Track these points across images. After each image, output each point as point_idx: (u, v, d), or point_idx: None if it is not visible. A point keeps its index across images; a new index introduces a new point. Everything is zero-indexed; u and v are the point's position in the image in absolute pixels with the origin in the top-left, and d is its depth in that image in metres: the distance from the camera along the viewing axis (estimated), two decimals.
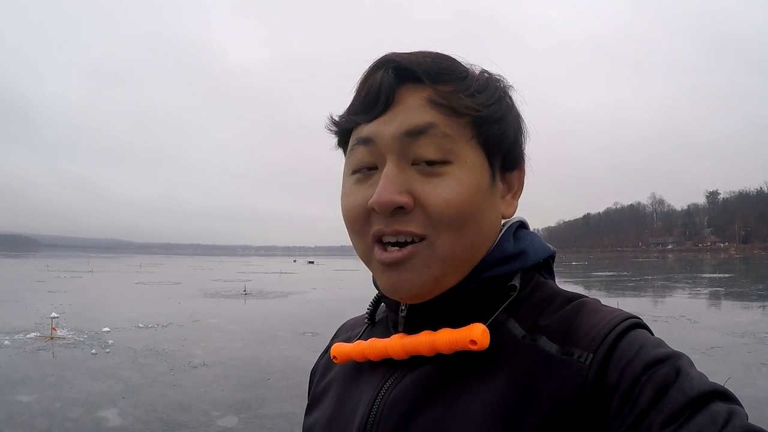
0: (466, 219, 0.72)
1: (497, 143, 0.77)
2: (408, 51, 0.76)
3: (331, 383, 0.92)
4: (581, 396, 0.64)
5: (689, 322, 16.44)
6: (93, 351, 12.10)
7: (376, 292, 0.89)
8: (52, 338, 13.45)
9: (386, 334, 0.84)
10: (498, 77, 0.80)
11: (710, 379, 0.62)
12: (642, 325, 0.70)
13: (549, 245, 0.85)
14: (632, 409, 0.60)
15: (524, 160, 0.84)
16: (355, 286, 31.19)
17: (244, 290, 28.40)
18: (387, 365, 0.81)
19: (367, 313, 0.96)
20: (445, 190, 0.71)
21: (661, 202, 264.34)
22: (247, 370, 10.49)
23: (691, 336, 13.81)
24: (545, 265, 0.85)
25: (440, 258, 0.72)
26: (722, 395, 0.60)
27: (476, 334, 0.70)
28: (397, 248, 0.73)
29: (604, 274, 50.29)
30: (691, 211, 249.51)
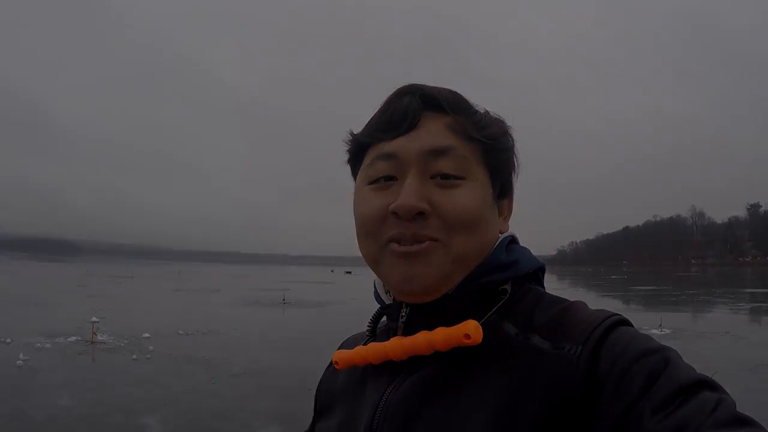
0: (475, 224, 0.81)
1: (500, 169, 0.88)
2: (429, 85, 0.86)
3: (337, 396, 0.95)
4: (573, 386, 0.68)
5: (733, 339, 16.13)
6: (133, 356, 12.16)
7: (378, 306, 0.96)
8: (92, 342, 13.59)
9: None
10: (498, 117, 0.90)
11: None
12: (629, 323, 0.75)
13: (538, 259, 0.91)
14: (623, 396, 0.63)
15: (513, 191, 0.94)
16: None
17: (283, 299, 28.49)
18: (389, 373, 0.84)
19: (368, 327, 0.99)
20: (460, 198, 0.80)
21: (701, 215, 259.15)
22: (288, 379, 10.36)
23: (737, 353, 13.52)
24: (535, 278, 0.90)
25: (452, 256, 0.80)
26: (710, 385, 0.63)
27: (470, 329, 0.75)
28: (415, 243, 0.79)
29: (644, 288, 49.55)
30: (732, 225, 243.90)
